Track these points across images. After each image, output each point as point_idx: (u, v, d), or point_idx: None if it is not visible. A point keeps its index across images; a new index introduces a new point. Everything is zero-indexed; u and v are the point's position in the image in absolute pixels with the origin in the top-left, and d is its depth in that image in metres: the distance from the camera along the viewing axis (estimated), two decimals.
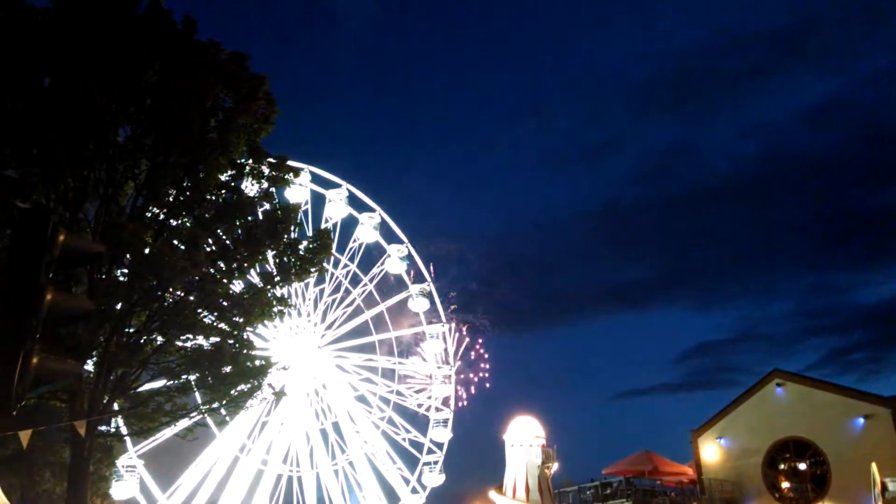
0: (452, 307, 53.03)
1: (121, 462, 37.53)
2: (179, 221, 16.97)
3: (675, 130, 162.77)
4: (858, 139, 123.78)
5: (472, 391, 53.21)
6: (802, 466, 30.81)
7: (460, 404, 51.93)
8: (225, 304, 16.31)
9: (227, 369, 15.96)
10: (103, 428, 16.42)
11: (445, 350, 51.67)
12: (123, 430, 18.88)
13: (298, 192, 40.17)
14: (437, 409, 50.75)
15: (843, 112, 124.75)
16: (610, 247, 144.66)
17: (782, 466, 31.29)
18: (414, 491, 50.11)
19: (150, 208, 16.43)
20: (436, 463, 50.02)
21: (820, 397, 30.60)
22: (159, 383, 16.46)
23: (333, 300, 50.47)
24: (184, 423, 18.71)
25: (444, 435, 50.36)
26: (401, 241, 49.74)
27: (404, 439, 50.54)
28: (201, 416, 17.34)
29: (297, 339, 47.81)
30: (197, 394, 19.31)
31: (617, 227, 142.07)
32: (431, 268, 51.30)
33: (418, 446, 50.69)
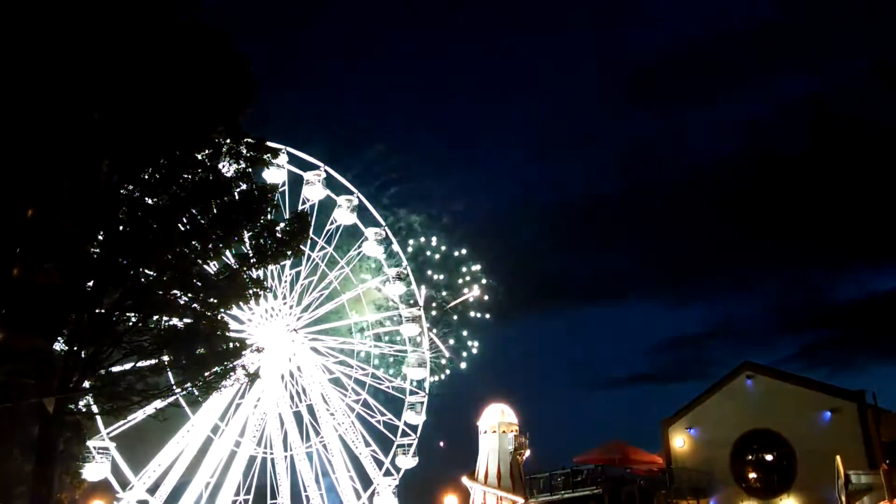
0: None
1: (93, 444, 37.36)
2: (154, 200, 16.77)
3: (658, 124, 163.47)
4: (837, 136, 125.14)
5: (447, 361, 53.34)
6: (769, 458, 31.34)
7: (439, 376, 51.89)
8: (199, 284, 16.19)
9: (201, 350, 15.88)
10: (73, 406, 16.25)
11: (421, 334, 51.78)
12: (94, 409, 18.74)
13: (276, 173, 39.90)
14: (412, 392, 50.87)
15: (823, 108, 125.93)
16: (590, 238, 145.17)
17: (750, 457, 31.79)
18: (387, 473, 50.30)
19: (125, 186, 16.21)
20: (409, 446, 50.23)
21: (789, 390, 31.13)
22: (131, 363, 16.32)
23: (310, 282, 50.34)
24: (156, 404, 18.59)
25: (417, 418, 50.56)
26: (378, 224, 49.72)
27: (378, 422, 50.70)
28: (174, 396, 17.24)
29: (273, 322, 47.65)
30: (170, 374, 19.24)
31: (597, 218, 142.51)
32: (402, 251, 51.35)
33: (393, 429, 50.82)
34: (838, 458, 26.89)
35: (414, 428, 50.55)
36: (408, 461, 50.48)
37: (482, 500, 50.43)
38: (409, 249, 53.38)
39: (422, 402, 51.03)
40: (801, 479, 29.76)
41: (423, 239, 54.86)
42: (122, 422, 36.44)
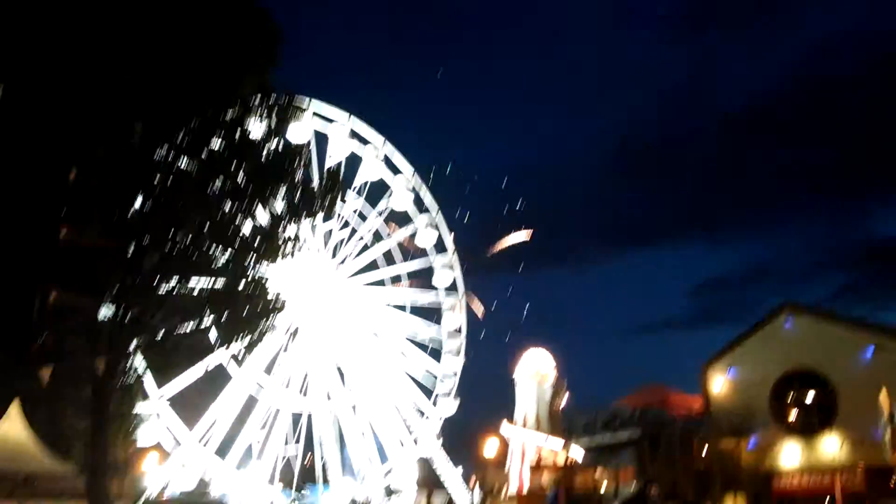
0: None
1: (144, 408, 38.92)
2: (188, 162, 16.86)
3: (694, 63, 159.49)
4: (880, 67, 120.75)
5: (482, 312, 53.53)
6: (809, 397, 31.21)
7: (479, 316, 51.93)
8: (236, 244, 16.37)
9: (240, 309, 16.16)
10: (123, 365, 16.71)
11: (455, 280, 51.93)
12: (141, 370, 19.30)
13: (303, 127, 39.81)
14: (450, 336, 51.20)
15: (863, 41, 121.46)
16: (625, 182, 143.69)
17: (790, 397, 31.71)
18: (430, 419, 50.97)
19: (159, 149, 16.31)
20: (448, 393, 50.75)
21: (829, 329, 30.78)
22: (176, 323, 16.64)
23: (343, 237, 50.61)
24: (202, 363, 18.96)
25: (456, 363, 50.90)
26: (406, 174, 49.51)
27: (417, 370, 51.26)
28: (217, 354, 17.60)
29: (309, 277, 48.11)
30: (212, 332, 19.71)
31: (632, 163, 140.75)
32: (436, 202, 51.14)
33: (431, 379, 51.40)
34: (883, 392, 26.68)
35: (453, 373, 50.99)
36: (449, 405, 51.07)
37: (521, 445, 51.27)
38: (445, 197, 52.91)
39: (459, 347, 51.34)
40: (842, 417, 29.65)
41: (457, 187, 54.46)
42: (170, 384, 37.67)
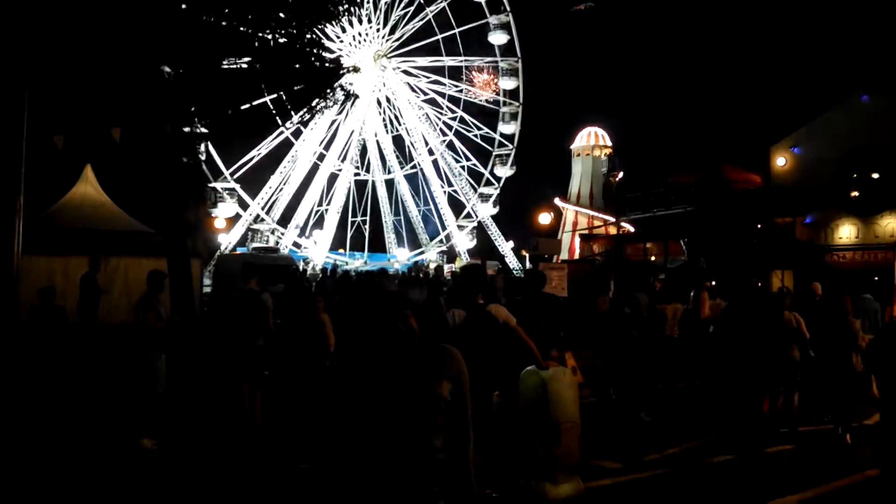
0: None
1: (220, 185, 41.30)
2: None
3: None
4: None
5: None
6: (875, 175, 30.30)
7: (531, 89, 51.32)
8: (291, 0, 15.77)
9: (298, 67, 15.98)
10: (189, 131, 17.01)
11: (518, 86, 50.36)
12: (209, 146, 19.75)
13: None
14: (506, 103, 50.67)
15: None
16: None
17: (854, 175, 30.84)
18: (487, 183, 51.81)
19: None
20: (507, 155, 51.13)
21: None
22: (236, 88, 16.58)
23: (404, 13, 48.66)
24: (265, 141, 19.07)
25: (512, 128, 50.89)
26: None
27: (475, 135, 51.42)
28: (276, 119, 17.68)
29: (366, 47, 47.03)
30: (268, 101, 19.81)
31: None
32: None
33: (490, 141, 51.62)
34: None
35: (510, 138, 51.00)
36: (505, 170, 51.67)
37: (574, 220, 52.35)
38: None
39: (515, 113, 50.84)
40: None
41: None
42: (240, 163, 39.16)
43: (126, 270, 18.45)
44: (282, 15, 15.34)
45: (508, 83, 49.51)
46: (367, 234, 54.58)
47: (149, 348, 8.53)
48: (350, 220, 53.26)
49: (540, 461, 6.59)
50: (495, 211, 52.04)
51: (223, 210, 43.42)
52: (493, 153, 50.76)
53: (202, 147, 39.01)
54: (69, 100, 14.89)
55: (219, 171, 41.95)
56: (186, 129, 16.62)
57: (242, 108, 17.48)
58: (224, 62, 15.95)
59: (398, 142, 51.40)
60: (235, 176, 42.98)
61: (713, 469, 8.15)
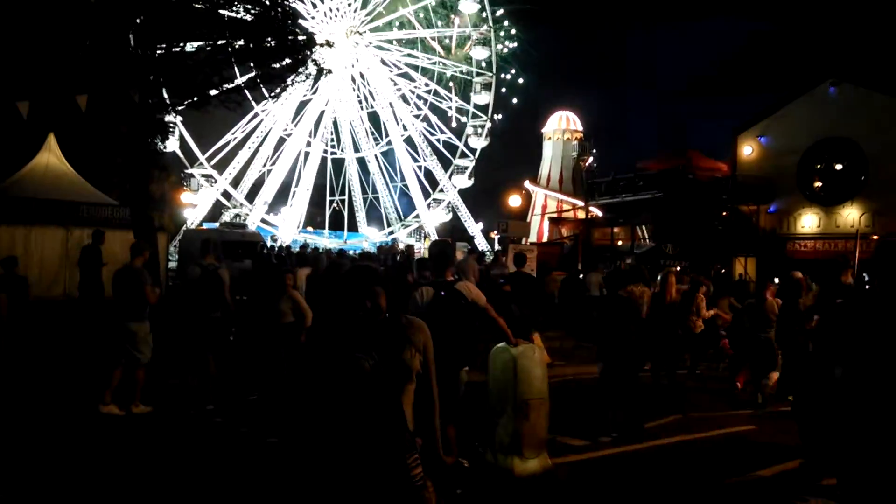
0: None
1: (197, 172, 40.67)
2: None
3: None
4: None
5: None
6: (839, 166, 30.93)
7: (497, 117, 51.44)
8: None
9: (271, 41, 15.73)
10: (154, 101, 16.71)
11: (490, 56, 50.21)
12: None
13: None
14: (478, 73, 50.45)
15: None
16: None
17: (819, 165, 31.45)
18: (463, 155, 51.50)
19: None
20: (482, 126, 50.78)
21: (874, 100, 29.55)
22: (203, 50, 16.28)
23: None
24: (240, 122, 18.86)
25: (486, 98, 50.69)
26: None
27: (449, 108, 51.13)
28: (244, 87, 17.41)
29: (337, 22, 46.43)
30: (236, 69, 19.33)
31: None
32: None
33: (464, 114, 51.34)
34: None
35: (484, 108, 50.75)
36: (480, 142, 51.42)
37: (543, 203, 52.61)
38: None
39: (490, 83, 50.60)
40: (868, 189, 29.60)
41: None
42: (216, 147, 38.41)
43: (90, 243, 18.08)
44: None
45: (480, 53, 49.29)
46: (340, 213, 54.30)
47: (137, 318, 8.88)
48: (317, 196, 52.83)
49: (509, 437, 6.67)
50: (470, 183, 52.01)
51: (203, 197, 43.05)
52: (468, 124, 50.61)
53: (176, 133, 38.53)
54: (34, 66, 14.52)
55: (195, 157, 41.62)
56: (153, 100, 16.38)
57: (214, 89, 17.24)
58: (193, 40, 15.67)
59: (373, 118, 51.03)
60: (213, 162, 42.72)
61: (681, 447, 8.33)
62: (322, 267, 12.61)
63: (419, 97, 50.56)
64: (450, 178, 51.12)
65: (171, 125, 38.45)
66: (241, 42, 15.46)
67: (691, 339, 12.51)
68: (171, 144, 39.95)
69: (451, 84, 50.01)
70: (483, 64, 49.77)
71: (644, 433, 8.50)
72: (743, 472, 7.34)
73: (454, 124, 50.78)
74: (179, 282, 20.17)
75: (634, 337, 8.49)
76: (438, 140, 50.81)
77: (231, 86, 17.21)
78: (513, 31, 50.95)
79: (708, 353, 14.24)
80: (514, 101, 51.83)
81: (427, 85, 50.11)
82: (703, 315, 12.50)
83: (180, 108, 16.09)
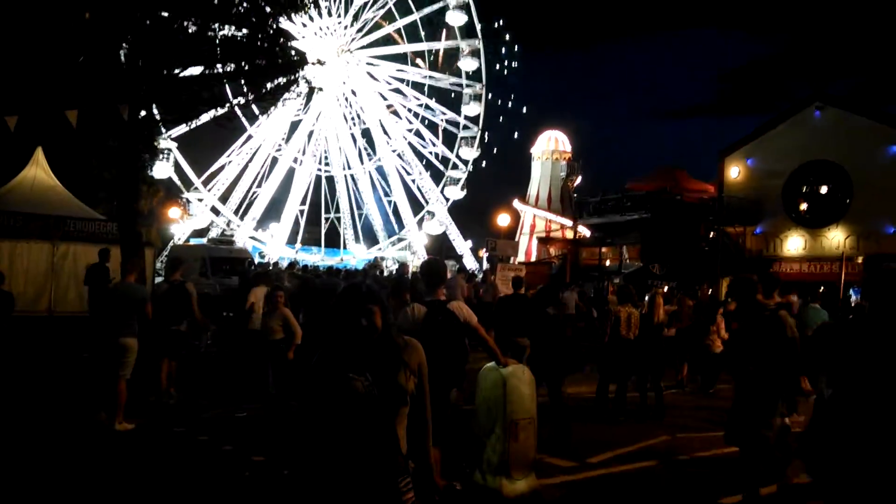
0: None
1: (192, 196, 40.42)
2: None
3: None
4: None
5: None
6: (824, 189, 31.23)
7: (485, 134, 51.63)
8: None
9: (261, 61, 15.77)
10: (144, 114, 16.69)
11: (479, 68, 50.48)
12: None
13: None
14: (468, 85, 50.66)
15: None
16: None
17: (804, 188, 31.75)
18: (455, 167, 51.48)
19: None
20: (473, 138, 50.90)
21: (859, 123, 29.91)
22: (196, 70, 16.31)
23: (365, 3, 48.37)
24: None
25: (476, 110, 50.86)
26: None
27: (441, 120, 51.29)
28: (235, 106, 17.43)
29: (328, 40, 46.62)
30: (227, 88, 19.33)
31: None
32: None
33: (456, 127, 51.46)
34: None
35: (475, 119, 50.90)
36: (472, 153, 51.40)
37: (532, 222, 52.73)
38: None
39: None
40: (853, 212, 29.88)
41: None
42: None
43: (75, 257, 17.94)
44: (241, 8, 15.13)
45: (470, 64, 49.53)
46: (336, 230, 54.22)
47: (130, 333, 9.00)
48: (304, 212, 52.72)
49: (497, 457, 6.63)
50: (463, 194, 52.07)
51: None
52: (459, 136, 50.75)
53: (171, 158, 38.40)
54: (24, 80, 14.47)
55: (190, 182, 41.66)
56: (143, 115, 16.35)
57: (204, 105, 17.23)
58: (185, 59, 15.69)
59: (365, 135, 51.12)
60: (209, 187, 42.74)
61: (667, 468, 8.31)
62: (281, 285, 12.67)
63: (410, 110, 50.77)
64: (442, 190, 51.24)
65: (166, 150, 38.44)
66: (232, 65, 15.48)
67: (709, 358, 12.52)
68: (167, 170, 39.80)
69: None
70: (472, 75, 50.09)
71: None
72: (736, 492, 7.33)
73: (441, 142, 51.01)
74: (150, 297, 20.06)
75: (559, 355, 8.86)
76: (431, 153, 50.99)
77: (224, 110, 17.22)
78: (503, 49, 51.33)
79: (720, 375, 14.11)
80: (501, 118, 52.12)
81: (418, 99, 50.32)
82: (723, 335, 12.54)
83: (171, 125, 16.08)
